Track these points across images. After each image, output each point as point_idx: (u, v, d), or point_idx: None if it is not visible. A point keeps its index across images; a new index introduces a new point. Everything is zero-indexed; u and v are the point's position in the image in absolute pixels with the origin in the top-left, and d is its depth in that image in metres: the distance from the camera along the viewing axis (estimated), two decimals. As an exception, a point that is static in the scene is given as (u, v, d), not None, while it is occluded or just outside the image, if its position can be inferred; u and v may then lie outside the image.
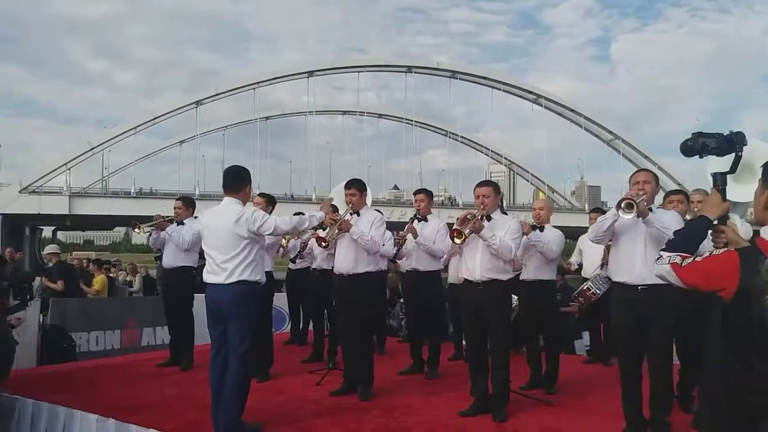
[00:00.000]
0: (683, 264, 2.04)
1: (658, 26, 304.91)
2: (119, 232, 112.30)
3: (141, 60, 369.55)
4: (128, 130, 48.44)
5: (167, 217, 6.72)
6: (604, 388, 5.25)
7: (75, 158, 46.66)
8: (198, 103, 49.39)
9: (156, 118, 49.01)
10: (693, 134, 2.50)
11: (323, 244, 5.28)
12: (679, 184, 43.45)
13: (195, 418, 4.58)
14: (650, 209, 4.03)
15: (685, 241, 2.15)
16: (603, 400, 5.01)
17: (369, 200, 5.58)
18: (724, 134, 2.48)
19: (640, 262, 4.03)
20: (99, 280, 11.91)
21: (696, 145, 2.47)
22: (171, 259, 6.50)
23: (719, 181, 2.19)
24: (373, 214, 5.39)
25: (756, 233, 2.00)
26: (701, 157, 2.50)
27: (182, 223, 6.51)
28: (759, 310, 1.84)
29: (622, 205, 3.92)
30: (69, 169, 46.10)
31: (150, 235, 6.71)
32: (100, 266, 13.78)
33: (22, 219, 45.57)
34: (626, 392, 4.13)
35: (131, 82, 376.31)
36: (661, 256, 2.17)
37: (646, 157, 54.51)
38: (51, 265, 9.99)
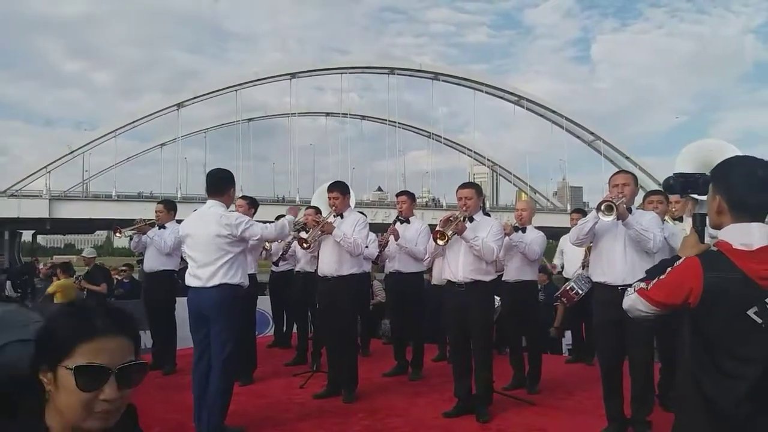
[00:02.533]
0: (649, 287, 2.04)
1: (638, 26, 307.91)
2: (101, 235, 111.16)
3: (118, 60, 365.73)
4: (108, 133, 48.00)
5: (149, 220, 6.70)
6: (586, 388, 5.30)
7: (55, 161, 46.15)
8: (179, 105, 49.05)
9: (137, 120, 48.62)
10: (675, 174, 2.53)
11: (305, 245, 5.28)
12: (659, 184, 43.86)
13: (178, 422, 4.56)
14: (630, 210, 4.08)
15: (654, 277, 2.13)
16: (585, 399, 5.07)
17: (353, 202, 5.59)
18: (706, 174, 2.52)
19: (620, 263, 4.08)
20: (59, 284, 10.17)
21: (677, 185, 2.51)
22: (153, 262, 6.46)
23: (698, 222, 2.20)
24: (357, 217, 5.40)
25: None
26: (682, 196, 2.55)
27: (164, 227, 6.48)
28: (725, 313, 1.87)
29: (602, 207, 3.97)
30: (49, 172, 45.57)
31: (132, 238, 6.68)
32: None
33: (1, 223, 44.95)
34: (608, 391, 4.17)
35: (109, 83, 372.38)
36: (627, 291, 2.14)
37: (627, 157, 55.00)
38: (89, 268, 9.92)
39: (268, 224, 4.65)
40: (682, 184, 2.49)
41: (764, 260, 1.87)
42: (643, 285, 2.06)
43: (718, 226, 2.02)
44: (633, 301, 2.08)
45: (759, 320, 1.83)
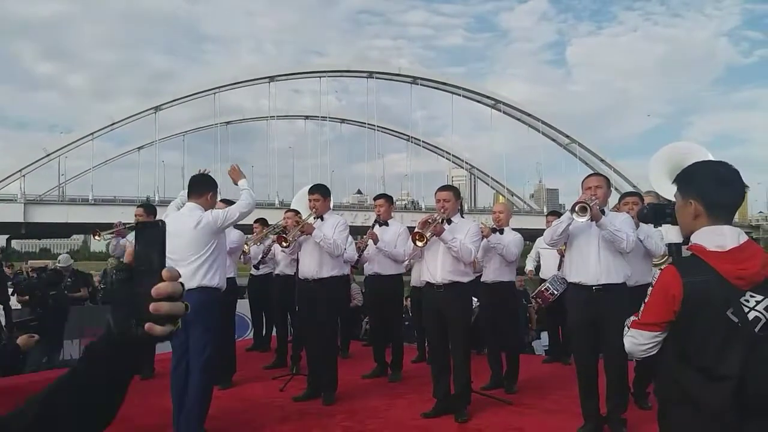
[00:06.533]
0: (640, 316, 2.03)
1: (613, 30, 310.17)
2: (77, 239, 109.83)
3: (93, 62, 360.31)
4: (85, 136, 47.50)
5: (128, 224, 6.67)
6: (563, 387, 5.37)
7: (29, 165, 45.54)
8: (157, 108, 48.70)
9: (114, 123, 48.18)
10: (649, 205, 2.60)
11: (284, 243, 5.29)
12: (634, 186, 44.41)
13: (157, 426, 4.54)
14: (603, 212, 4.16)
15: None
16: (562, 398, 5.13)
17: (331, 205, 5.63)
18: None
19: (594, 263, 4.16)
20: None
21: (650, 215, 2.57)
22: (131, 266, 6.44)
23: (674, 251, 2.23)
24: (337, 219, 5.44)
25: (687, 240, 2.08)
26: (656, 226, 2.61)
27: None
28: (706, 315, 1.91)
29: (576, 208, 4.04)
30: (23, 176, 44.96)
31: (110, 242, 6.65)
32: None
33: (-26, 228, 44.28)
34: (583, 390, 4.24)
35: (83, 86, 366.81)
36: (624, 332, 2.09)
37: (602, 160, 55.66)
38: (70, 280, 9.84)
39: (238, 202, 4.70)
40: (654, 216, 2.55)
41: (738, 260, 1.90)
42: (633, 318, 2.05)
43: (692, 231, 2.06)
44: (633, 338, 2.04)
45: (735, 319, 1.86)
